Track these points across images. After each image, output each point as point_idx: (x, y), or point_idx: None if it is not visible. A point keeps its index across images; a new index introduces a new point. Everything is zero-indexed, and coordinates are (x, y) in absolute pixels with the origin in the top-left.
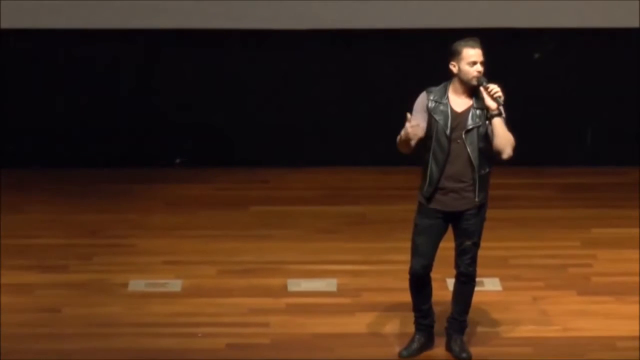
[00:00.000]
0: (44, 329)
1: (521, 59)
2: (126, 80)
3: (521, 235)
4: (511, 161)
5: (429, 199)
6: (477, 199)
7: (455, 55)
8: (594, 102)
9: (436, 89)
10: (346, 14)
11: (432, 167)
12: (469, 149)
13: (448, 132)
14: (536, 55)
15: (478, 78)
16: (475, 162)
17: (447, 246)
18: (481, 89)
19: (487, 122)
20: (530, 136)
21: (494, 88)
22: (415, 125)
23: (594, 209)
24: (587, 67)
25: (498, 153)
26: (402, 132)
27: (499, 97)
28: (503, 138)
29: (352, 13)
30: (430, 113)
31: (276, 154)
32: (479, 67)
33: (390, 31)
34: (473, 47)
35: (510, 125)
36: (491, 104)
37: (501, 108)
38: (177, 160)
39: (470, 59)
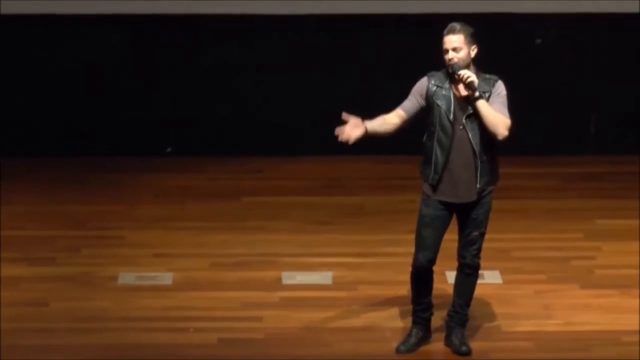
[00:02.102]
0: (31, 323)
1: (522, 44)
2: (114, 68)
3: (523, 226)
4: (512, 150)
5: (436, 188)
6: (478, 185)
7: None
8: (597, 88)
9: (438, 74)
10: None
11: (437, 153)
12: (470, 135)
13: (451, 116)
14: (538, 41)
15: (451, 66)
16: (476, 148)
17: (447, 238)
18: (456, 76)
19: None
20: (532, 125)
21: (465, 74)
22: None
23: (598, 200)
24: (589, 53)
25: (493, 135)
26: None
27: (471, 82)
28: (490, 119)
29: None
30: (431, 98)
31: (270, 143)
32: (449, 55)
33: (389, 17)
34: (446, 33)
35: (511, 109)
36: (468, 90)
37: (479, 92)
38: (168, 149)
39: (443, 46)
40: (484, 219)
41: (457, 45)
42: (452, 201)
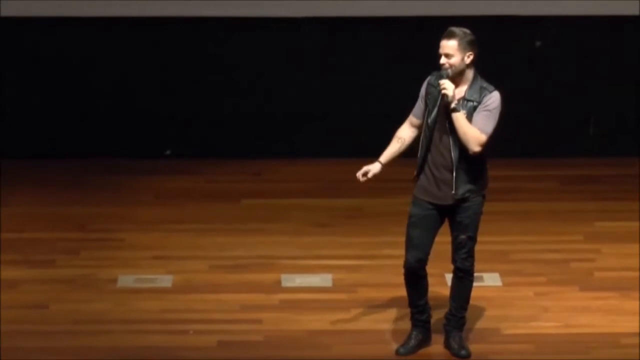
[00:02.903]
0: (31, 325)
1: (522, 47)
2: (114, 70)
3: (522, 228)
4: (512, 152)
5: (421, 188)
6: (453, 192)
7: None
8: (596, 91)
9: (438, 74)
10: (344, 1)
11: (420, 150)
12: (451, 141)
13: (431, 118)
14: (537, 44)
15: (442, 70)
16: (454, 155)
17: (445, 240)
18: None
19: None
20: (531, 127)
21: (443, 84)
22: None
23: (598, 202)
24: (588, 55)
25: (465, 149)
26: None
27: (445, 95)
28: (462, 132)
29: (350, 0)
30: (426, 97)
31: (269, 145)
32: (441, 60)
33: (389, 19)
34: (442, 38)
35: (511, 111)
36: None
37: (454, 104)
38: (167, 152)
39: (439, 50)
40: (471, 222)
41: (449, 51)
42: (432, 201)
